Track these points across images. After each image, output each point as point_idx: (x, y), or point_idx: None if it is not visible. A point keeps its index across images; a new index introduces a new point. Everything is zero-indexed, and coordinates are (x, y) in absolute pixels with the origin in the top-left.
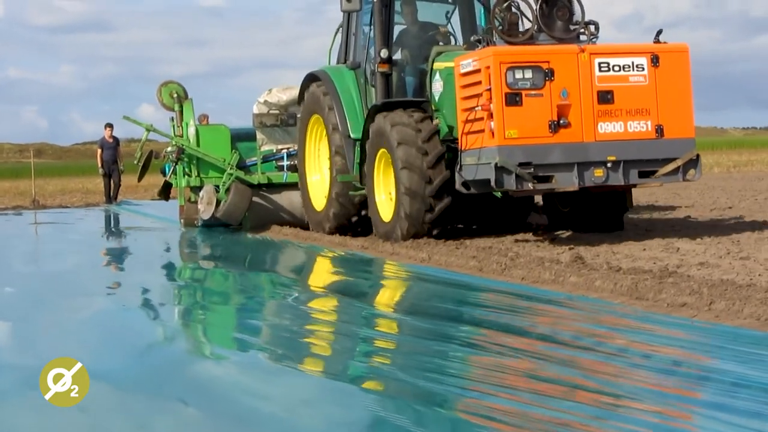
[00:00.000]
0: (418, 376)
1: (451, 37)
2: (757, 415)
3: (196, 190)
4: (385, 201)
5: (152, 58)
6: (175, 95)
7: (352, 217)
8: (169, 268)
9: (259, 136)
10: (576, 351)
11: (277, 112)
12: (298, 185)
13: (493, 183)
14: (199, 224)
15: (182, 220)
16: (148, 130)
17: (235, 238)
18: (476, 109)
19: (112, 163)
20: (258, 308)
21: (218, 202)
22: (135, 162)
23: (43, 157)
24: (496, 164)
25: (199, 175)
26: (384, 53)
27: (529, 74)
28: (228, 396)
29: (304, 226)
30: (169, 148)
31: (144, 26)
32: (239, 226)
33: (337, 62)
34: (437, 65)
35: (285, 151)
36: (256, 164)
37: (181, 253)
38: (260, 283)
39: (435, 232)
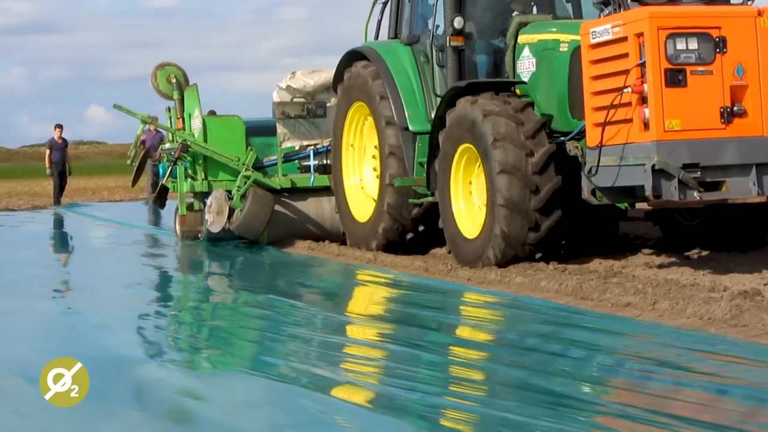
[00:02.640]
0: None
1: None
2: (697, 412)
3: (201, 196)
4: (465, 211)
5: (102, 60)
6: (174, 80)
7: (408, 233)
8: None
9: (281, 129)
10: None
11: (302, 100)
12: (330, 190)
13: (648, 191)
14: (204, 237)
15: (180, 233)
16: (145, 122)
17: (249, 254)
18: (625, 90)
19: (62, 165)
20: (217, 315)
21: (231, 212)
22: (128, 162)
23: None
24: (653, 166)
25: (206, 177)
26: (458, 22)
27: (694, 44)
28: (170, 399)
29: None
30: (167, 145)
31: (93, 27)
32: (253, 239)
33: (376, 38)
34: (524, 39)
35: (311, 148)
36: (275, 164)
37: (181, 268)
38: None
39: (538, 256)
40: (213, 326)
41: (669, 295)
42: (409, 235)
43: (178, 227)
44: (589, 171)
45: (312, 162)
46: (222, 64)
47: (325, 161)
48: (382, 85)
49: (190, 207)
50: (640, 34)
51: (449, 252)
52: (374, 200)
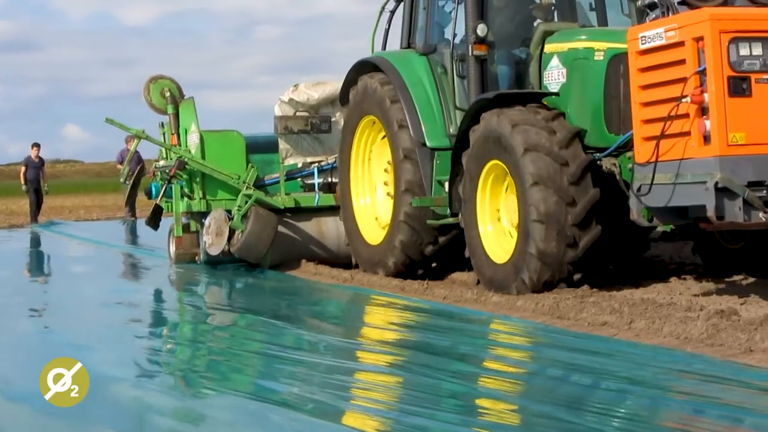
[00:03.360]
0: None
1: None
2: (675, 430)
3: (199, 216)
4: (492, 235)
5: (79, 78)
6: (168, 94)
7: (427, 246)
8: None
9: (283, 145)
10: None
11: (306, 114)
12: (336, 210)
13: (711, 211)
14: (201, 260)
15: (175, 255)
16: (139, 138)
17: (248, 277)
18: (682, 101)
19: (37, 183)
20: (198, 334)
21: (231, 233)
22: (121, 180)
23: None
24: (716, 184)
25: (204, 197)
26: (482, 30)
27: (758, 49)
28: (146, 418)
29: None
30: (161, 162)
31: (70, 46)
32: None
33: (383, 49)
34: (552, 47)
35: (316, 165)
36: (277, 182)
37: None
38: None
39: (577, 277)
40: (193, 345)
41: (645, 315)
42: (429, 249)
43: (173, 249)
44: (638, 189)
45: (316, 180)
46: (198, 82)
47: (330, 179)
48: (395, 96)
49: (185, 228)
50: (699, 39)
51: (478, 282)
52: (384, 225)
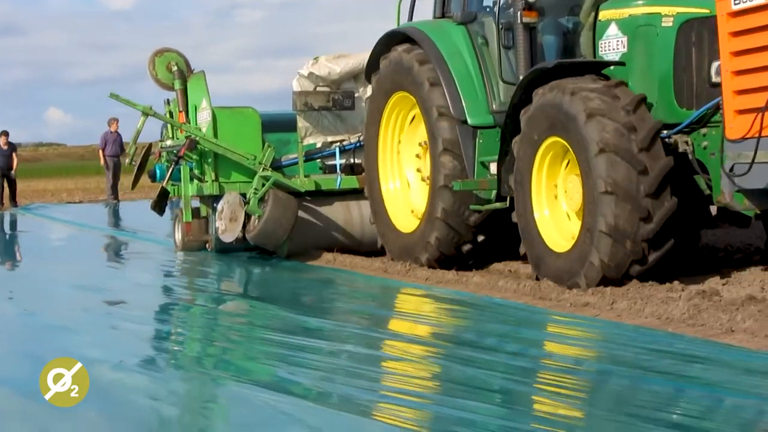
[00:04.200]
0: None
1: None
2: (654, 411)
3: (210, 200)
4: (550, 220)
5: (61, 62)
6: (175, 68)
7: (464, 245)
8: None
9: (302, 123)
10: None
11: (327, 89)
12: (359, 193)
13: None
14: (213, 248)
15: (181, 242)
16: (146, 115)
17: (261, 267)
18: None
19: (7, 170)
20: (183, 316)
21: (247, 218)
22: (127, 162)
23: None
24: None
25: (217, 179)
26: None
27: None
28: (128, 399)
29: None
30: (168, 142)
31: (52, 29)
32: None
33: (409, 18)
34: (608, 14)
35: (337, 145)
36: (295, 163)
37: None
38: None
39: (652, 257)
40: (178, 327)
41: (627, 295)
42: (467, 247)
43: (179, 236)
44: (731, 169)
45: (338, 161)
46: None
47: (352, 160)
48: (432, 70)
49: (195, 213)
50: None
51: (537, 278)
52: (416, 210)
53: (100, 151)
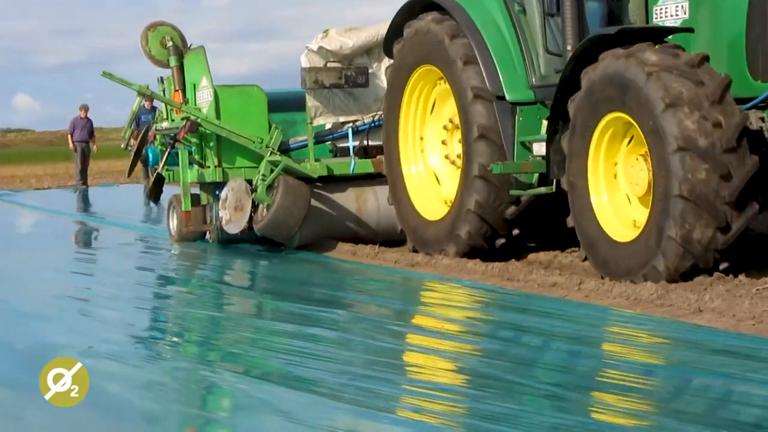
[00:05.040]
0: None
1: None
2: (623, 391)
3: (212, 188)
4: (610, 206)
5: (28, 48)
6: (170, 43)
7: (497, 238)
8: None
9: (312, 102)
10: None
11: (338, 65)
12: (373, 178)
13: None
14: (214, 239)
15: (177, 232)
16: (142, 94)
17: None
18: None
19: None
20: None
21: (254, 207)
22: (123, 146)
23: None
24: None
25: (220, 164)
26: None
27: None
28: (97, 386)
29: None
30: (165, 124)
31: (19, 15)
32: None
33: None
34: None
35: (350, 126)
36: (304, 146)
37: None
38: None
39: (724, 266)
40: (149, 315)
41: (595, 275)
42: (500, 241)
43: (174, 224)
44: None
45: (351, 143)
46: None
47: (366, 142)
48: (466, 45)
49: (194, 201)
50: None
51: (584, 259)
52: (441, 195)
53: (69, 136)
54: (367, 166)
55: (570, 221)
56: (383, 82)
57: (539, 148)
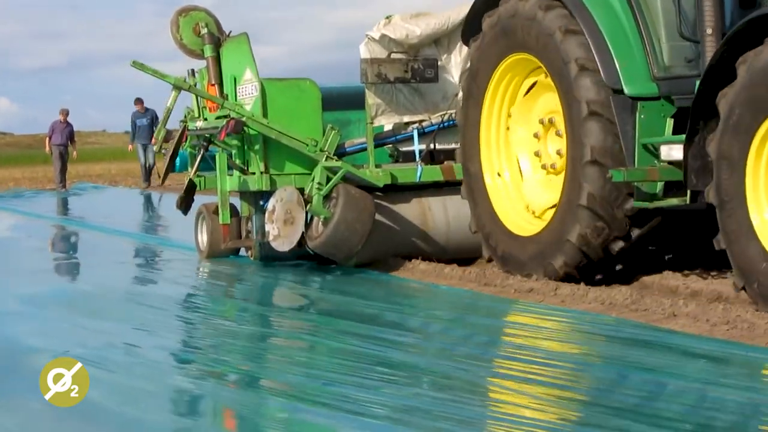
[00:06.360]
0: None
1: None
2: (597, 396)
3: (254, 198)
4: None
5: (7, 51)
6: (205, 31)
7: (614, 242)
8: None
9: (373, 99)
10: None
11: (403, 56)
12: (441, 188)
13: None
14: (255, 257)
15: (209, 248)
16: (179, 89)
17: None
18: None
19: None
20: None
21: (308, 221)
22: (156, 149)
23: None
24: None
25: (267, 170)
26: None
27: None
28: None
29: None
30: (199, 124)
31: None
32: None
33: None
34: None
35: (415, 127)
36: (364, 149)
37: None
38: None
39: None
40: (127, 319)
41: (571, 280)
42: (617, 245)
43: (205, 239)
44: None
45: (417, 147)
46: (131, 53)
47: (433, 146)
48: (565, 17)
49: (233, 212)
50: None
51: (741, 289)
52: (532, 206)
53: (47, 140)
54: (435, 173)
55: (719, 242)
56: (453, 76)
57: (669, 152)
